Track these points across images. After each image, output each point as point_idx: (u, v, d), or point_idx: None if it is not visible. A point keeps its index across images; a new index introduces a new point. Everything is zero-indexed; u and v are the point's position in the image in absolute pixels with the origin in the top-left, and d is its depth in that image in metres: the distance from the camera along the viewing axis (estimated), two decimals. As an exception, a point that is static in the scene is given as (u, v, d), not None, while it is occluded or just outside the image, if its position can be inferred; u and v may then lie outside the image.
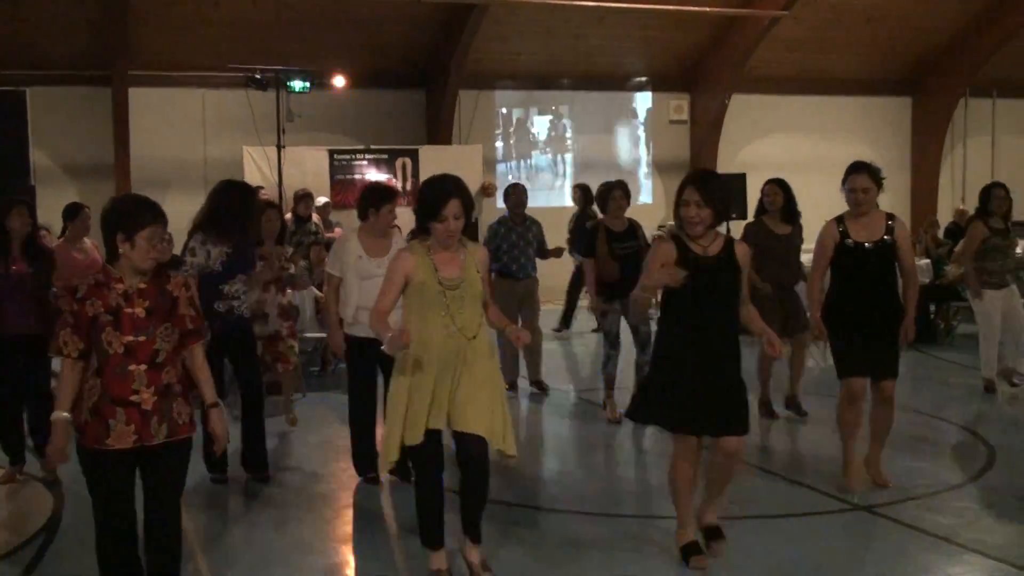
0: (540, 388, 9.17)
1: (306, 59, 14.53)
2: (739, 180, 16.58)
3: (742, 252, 4.89)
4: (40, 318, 6.29)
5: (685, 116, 18.37)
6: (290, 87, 14.00)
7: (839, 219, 6.02)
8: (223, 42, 14.66)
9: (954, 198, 19.15)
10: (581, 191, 13.01)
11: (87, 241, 8.43)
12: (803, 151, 17.53)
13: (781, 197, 7.86)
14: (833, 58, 18.06)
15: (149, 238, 4.02)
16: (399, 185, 15.51)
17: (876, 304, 5.89)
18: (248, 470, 6.51)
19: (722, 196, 4.82)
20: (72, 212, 8.40)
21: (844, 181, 5.99)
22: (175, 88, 15.17)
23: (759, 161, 16.88)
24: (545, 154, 17.85)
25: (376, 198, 6.25)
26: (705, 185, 4.77)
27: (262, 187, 13.57)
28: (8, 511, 6.17)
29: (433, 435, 4.61)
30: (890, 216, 6.02)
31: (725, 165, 17.70)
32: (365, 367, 6.26)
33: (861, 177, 5.93)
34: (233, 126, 15.06)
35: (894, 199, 19.26)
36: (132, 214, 4.06)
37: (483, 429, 4.58)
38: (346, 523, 5.81)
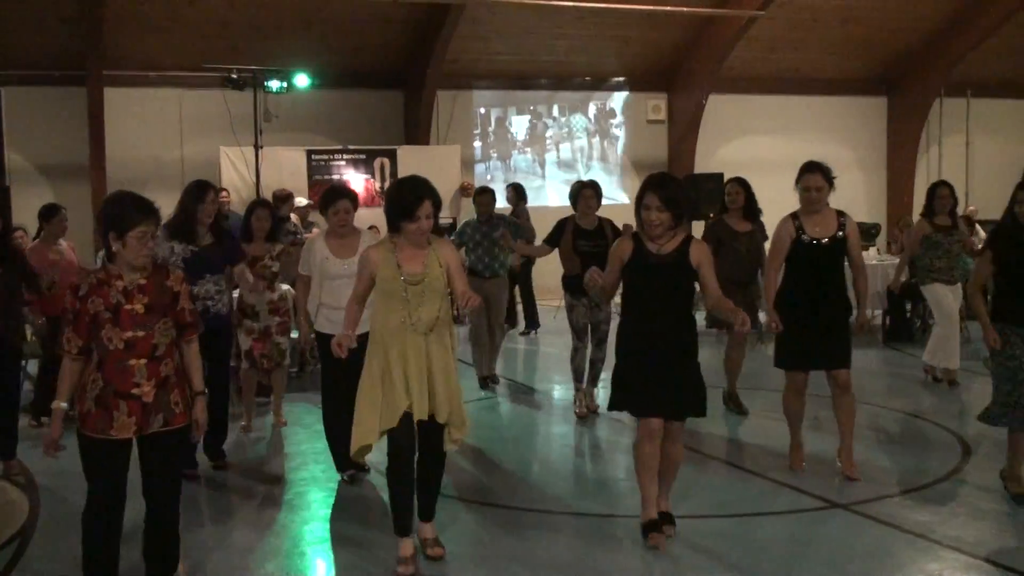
0: (493, 381, 9.42)
1: (283, 59, 14.50)
2: (716, 180, 16.65)
3: (696, 250, 5.10)
4: (7, 319, 6.23)
5: (663, 116, 18.44)
6: (267, 87, 13.97)
7: (794, 216, 6.27)
8: (200, 42, 14.61)
9: (929, 197, 19.27)
10: (513, 190, 13.07)
11: (63, 243, 8.37)
12: (780, 150, 17.60)
13: (742, 196, 8.03)
14: (809, 58, 18.17)
15: (139, 237, 4.15)
16: (377, 186, 15.51)
17: (829, 297, 6.18)
18: (209, 456, 6.75)
19: (681, 199, 5.05)
20: (48, 213, 8.33)
21: (798, 180, 6.26)
22: (151, 88, 15.11)
23: (736, 160, 16.94)
24: (524, 154, 17.86)
25: (328, 198, 6.39)
26: (664, 189, 5.02)
27: (224, 190, 13.46)
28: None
29: (409, 422, 4.80)
30: (841, 213, 6.29)
31: (703, 165, 17.78)
32: (335, 363, 6.23)
33: (815, 176, 6.19)
34: (210, 126, 15.00)
35: (870, 198, 19.46)
36: (122, 214, 4.18)
37: (442, 419, 4.87)
38: (325, 520, 5.80)
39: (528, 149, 17.90)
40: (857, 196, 18.97)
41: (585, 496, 6.28)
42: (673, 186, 5.08)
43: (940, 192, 8.87)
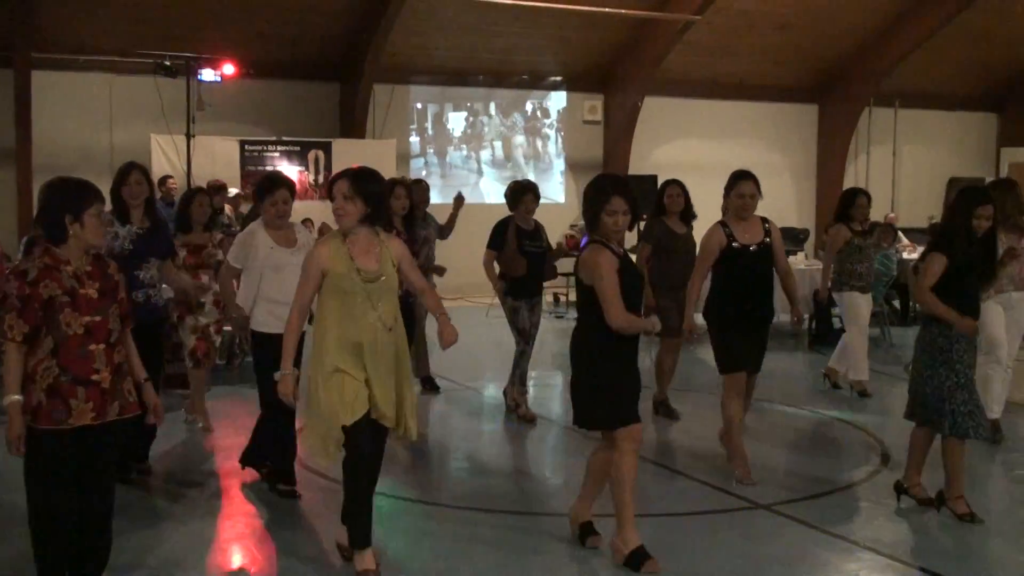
0: (432, 385, 9.13)
1: (218, 47, 14.28)
2: (650, 181, 16.79)
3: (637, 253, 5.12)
4: None
5: (599, 116, 18.55)
6: (200, 75, 13.75)
7: (723, 223, 6.37)
8: (132, 26, 14.34)
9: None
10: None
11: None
12: (713, 154, 17.82)
13: (683, 199, 8.05)
14: (744, 64, 18.41)
15: (97, 214, 4.17)
16: (311, 178, 15.38)
17: (758, 301, 6.34)
18: (134, 459, 6.30)
19: (637, 201, 4.97)
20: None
21: (731, 187, 6.36)
22: (81, 72, 14.78)
23: (670, 163, 17.10)
24: (460, 151, 17.85)
25: (265, 187, 6.04)
26: (628, 193, 4.87)
27: (171, 177, 13.31)
28: None
29: (374, 423, 4.69)
30: (765, 220, 6.44)
31: (637, 166, 17.92)
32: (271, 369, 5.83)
33: (749, 184, 6.32)
34: (141, 113, 14.73)
35: (800, 203, 19.80)
36: (76, 195, 4.19)
37: (390, 418, 4.74)
38: (266, 532, 5.72)
39: (464, 146, 17.89)
40: (788, 202, 19.31)
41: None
42: (631, 189, 4.96)
43: (859, 201, 8.89)
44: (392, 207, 7.42)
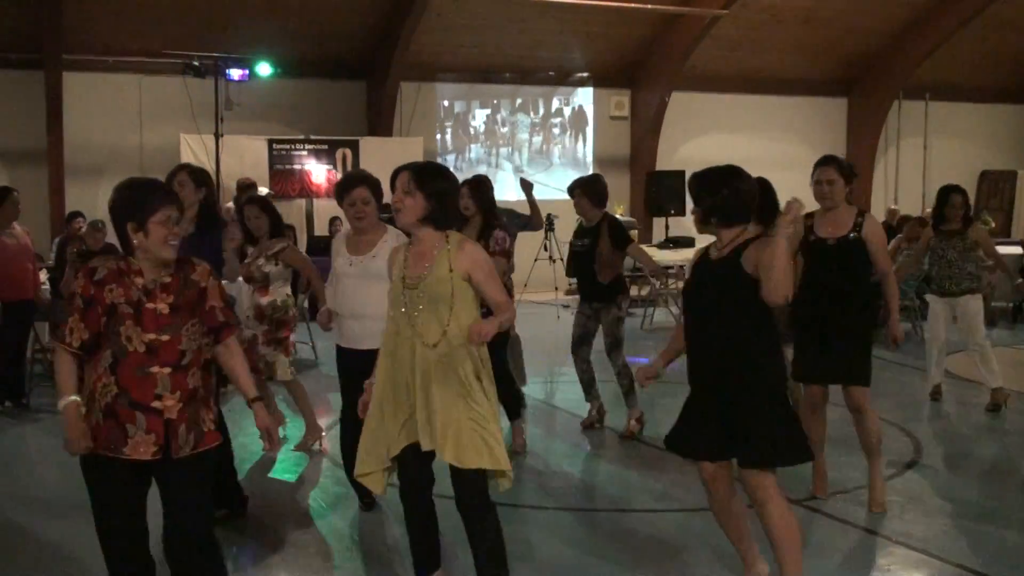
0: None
1: (246, 47, 14.40)
2: (678, 177, 16.77)
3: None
4: None
5: (626, 112, 18.50)
6: (228, 75, 13.86)
7: (809, 213, 5.65)
8: (161, 27, 14.46)
9: (887, 198, 19.54)
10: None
11: (17, 226, 8.25)
12: (741, 149, 17.71)
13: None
14: (771, 58, 18.31)
15: (163, 221, 3.59)
16: (339, 177, 15.45)
17: (828, 305, 5.58)
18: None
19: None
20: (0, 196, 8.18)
21: (812, 173, 5.76)
22: (111, 73, 14.94)
23: (698, 158, 16.99)
24: (485, 147, 17.86)
25: (341, 187, 5.49)
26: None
27: (251, 182, 12.78)
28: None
29: (413, 449, 4.07)
30: (862, 212, 5.73)
31: (664, 162, 17.88)
32: (349, 381, 5.34)
33: (827, 169, 5.68)
34: (170, 113, 14.87)
35: (829, 198, 19.64)
36: (139, 199, 3.63)
37: (425, 443, 4.02)
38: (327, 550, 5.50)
39: (489, 143, 17.90)
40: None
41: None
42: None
43: (954, 200, 8.19)
44: (252, 227, 6.86)
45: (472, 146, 17.76)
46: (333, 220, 14.23)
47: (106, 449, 3.54)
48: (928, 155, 19.93)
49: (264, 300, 6.82)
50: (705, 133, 18.61)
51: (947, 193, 8.27)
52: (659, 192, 17.58)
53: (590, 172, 18.24)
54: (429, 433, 3.97)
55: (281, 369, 6.86)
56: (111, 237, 6.49)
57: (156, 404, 3.54)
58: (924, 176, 19.85)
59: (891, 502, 5.89)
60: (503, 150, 17.99)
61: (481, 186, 6.51)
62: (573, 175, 17.68)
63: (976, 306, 8.28)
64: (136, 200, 3.62)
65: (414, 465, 4.13)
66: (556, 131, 18.32)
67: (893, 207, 16.53)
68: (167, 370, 3.55)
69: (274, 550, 5.18)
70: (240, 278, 6.98)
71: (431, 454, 4.03)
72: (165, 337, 3.56)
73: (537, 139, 18.19)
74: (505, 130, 17.96)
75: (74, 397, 3.55)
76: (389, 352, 4.11)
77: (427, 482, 4.23)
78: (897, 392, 9.05)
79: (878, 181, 19.98)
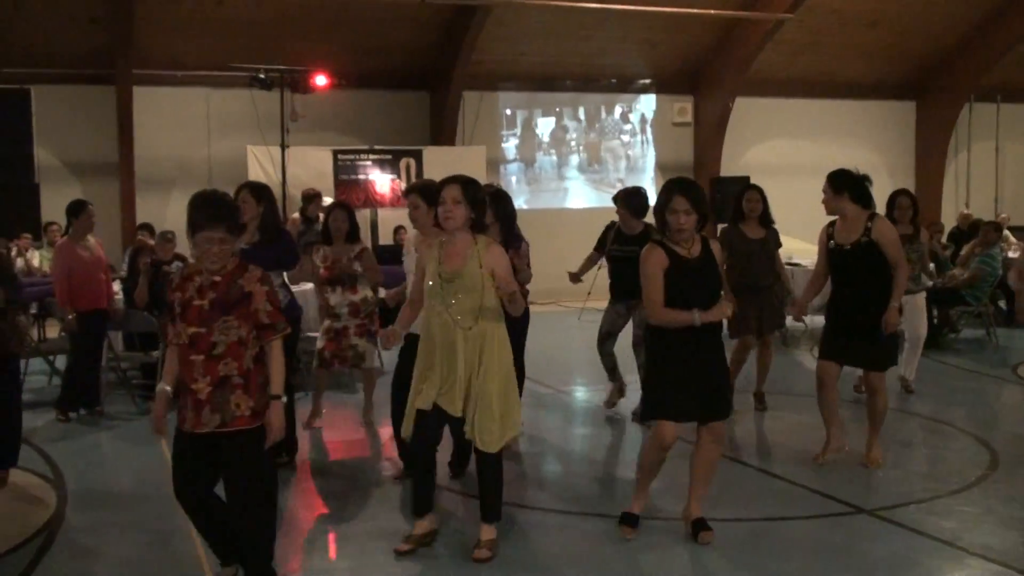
0: None
1: (310, 59, 14.57)
2: (743, 183, 16.58)
3: (717, 249, 5.21)
4: None
5: (689, 118, 18.40)
6: (294, 87, 14.06)
7: (832, 223, 6.45)
8: (227, 41, 14.71)
9: (958, 202, 19.17)
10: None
11: (91, 239, 8.41)
12: (806, 154, 17.55)
13: (761, 204, 8.08)
14: (837, 62, 18.08)
15: (204, 241, 4.20)
16: (403, 186, 15.56)
17: (856, 303, 6.28)
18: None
19: (705, 202, 5.10)
20: (76, 209, 8.32)
21: None
22: (179, 87, 15.23)
23: (763, 164, 16.90)
24: (549, 155, 17.86)
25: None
26: (691, 193, 5.02)
27: (317, 192, 12.79)
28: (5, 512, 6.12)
29: (437, 413, 4.92)
30: (872, 216, 6.29)
31: (729, 168, 17.73)
32: (405, 360, 5.93)
33: (825, 183, 6.35)
34: (237, 125, 15.11)
35: (897, 203, 19.30)
36: (192, 216, 4.25)
37: (456, 408, 4.90)
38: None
39: (553, 151, 17.90)
40: (885, 201, 18.84)
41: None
42: (698, 190, 5.11)
43: (901, 202, 8.66)
44: (332, 229, 7.72)
45: (537, 154, 17.76)
46: (398, 229, 14.33)
47: (179, 423, 4.28)
48: (1000, 159, 19.50)
49: (356, 297, 7.71)
50: (770, 138, 18.42)
51: (895, 196, 8.78)
52: (724, 198, 17.41)
53: (651, 178, 18.24)
54: (457, 401, 4.86)
55: (369, 358, 7.82)
56: (181, 247, 6.65)
57: (194, 386, 4.21)
58: (997, 180, 19.43)
59: (967, 513, 5.76)
60: (571, 158, 17.96)
61: (502, 200, 6.81)
62: (635, 182, 17.77)
63: (921, 303, 8.91)
64: (190, 216, 4.26)
65: (432, 426, 4.97)
66: (625, 138, 18.25)
67: (965, 211, 16.21)
68: (201, 357, 4.20)
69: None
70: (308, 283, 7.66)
71: (445, 420, 4.95)
72: (203, 329, 4.20)
73: (599, 146, 18.13)
74: (571, 138, 17.93)
75: (167, 387, 4.31)
76: (429, 336, 4.94)
77: (435, 441, 5.06)
78: (972, 401, 8.86)
79: (948, 185, 19.60)
